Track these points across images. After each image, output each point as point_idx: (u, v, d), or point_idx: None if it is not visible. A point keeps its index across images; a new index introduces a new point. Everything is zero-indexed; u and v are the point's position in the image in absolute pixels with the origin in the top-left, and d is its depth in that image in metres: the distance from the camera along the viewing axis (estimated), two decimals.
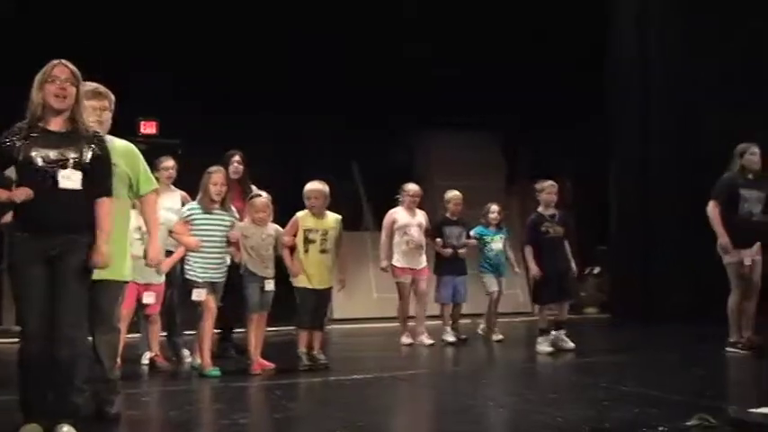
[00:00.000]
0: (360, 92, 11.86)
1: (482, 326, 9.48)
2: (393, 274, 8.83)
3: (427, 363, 7.77)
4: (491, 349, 8.86)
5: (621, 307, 11.46)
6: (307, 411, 5.41)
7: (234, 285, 6.74)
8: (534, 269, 7.96)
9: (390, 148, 13.81)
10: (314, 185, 6.95)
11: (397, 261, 8.75)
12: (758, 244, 7.62)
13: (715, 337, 7.82)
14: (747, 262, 7.57)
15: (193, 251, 6.46)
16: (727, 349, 7.64)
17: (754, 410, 4.60)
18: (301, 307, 6.89)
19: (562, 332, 8.12)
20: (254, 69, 11.17)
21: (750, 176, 7.71)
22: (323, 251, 6.87)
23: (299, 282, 6.85)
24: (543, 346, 7.91)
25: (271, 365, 6.77)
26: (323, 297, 7.02)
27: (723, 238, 7.53)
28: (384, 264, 8.78)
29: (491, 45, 12.63)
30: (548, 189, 8.19)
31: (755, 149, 7.79)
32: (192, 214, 6.57)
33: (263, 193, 6.87)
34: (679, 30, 11.27)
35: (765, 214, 7.68)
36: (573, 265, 8.24)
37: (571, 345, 8.05)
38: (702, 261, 10.25)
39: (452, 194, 9.16)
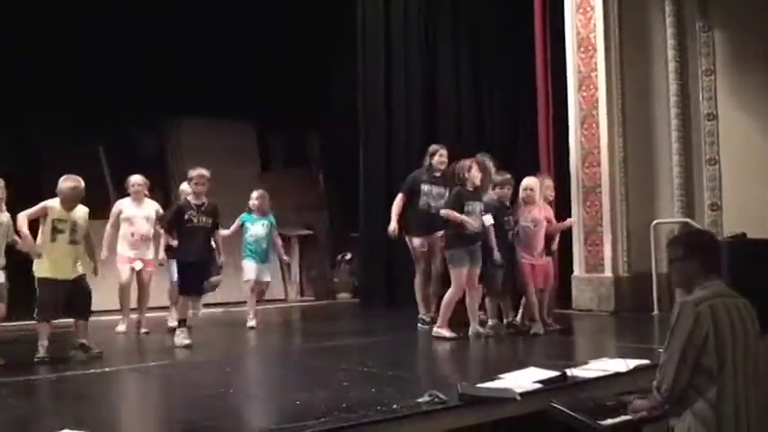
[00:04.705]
0: (109, 75, 11.35)
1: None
2: (118, 261, 8.75)
3: (169, 354, 7.52)
4: (240, 337, 8.80)
5: (369, 291, 11.81)
6: (34, 409, 5.07)
7: None
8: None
9: (140, 134, 13.33)
10: (70, 183, 6.79)
11: (122, 250, 8.72)
12: (439, 233, 8.21)
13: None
14: (424, 248, 8.51)
15: None
16: (419, 325, 8.31)
17: (481, 385, 4.85)
18: (42, 298, 6.61)
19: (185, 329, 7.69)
20: None
21: (436, 174, 8.50)
22: (72, 242, 6.78)
23: (42, 272, 6.67)
24: (181, 338, 7.52)
25: None
26: (74, 286, 6.79)
27: (391, 225, 8.53)
28: (105, 254, 8.47)
29: (245, 34, 12.57)
30: (195, 179, 7.73)
31: (444, 151, 8.63)
32: None
33: None
34: (422, 26, 11.77)
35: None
36: (218, 256, 8.04)
37: (187, 341, 7.52)
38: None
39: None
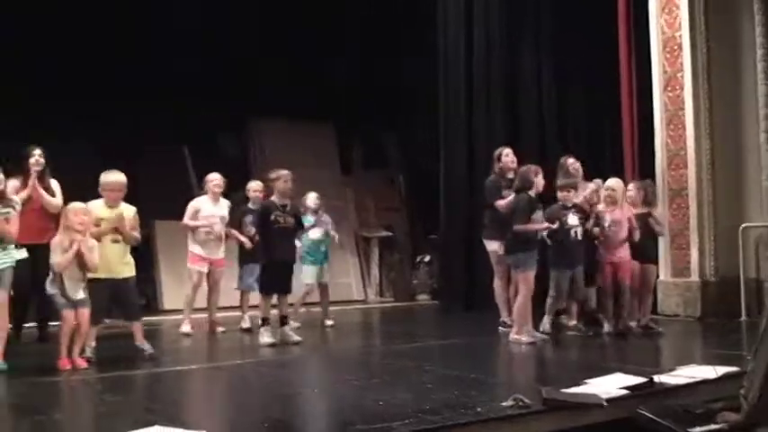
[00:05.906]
0: (194, 77, 11.59)
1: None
2: (190, 261, 8.81)
3: (250, 352, 7.67)
4: (317, 337, 8.89)
5: (448, 293, 11.79)
6: (127, 404, 5.22)
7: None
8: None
9: (224, 135, 13.57)
10: (112, 175, 6.80)
11: (196, 249, 8.75)
12: None
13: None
14: (501, 252, 8.01)
15: None
16: (500, 328, 8.18)
17: (565, 390, 4.80)
18: (93, 299, 6.49)
19: (287, 327, 7.81)
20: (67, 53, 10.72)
21: (509, 176, 8.27)
22: (115, 241, 6.70)
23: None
24: (265, 338, 7.59)
25: (84, 364, 6.34)
26: (121, 287, 6.72)
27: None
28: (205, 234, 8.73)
29: (325, 36, 12.69)
30: (284, 178, 7.76)
31: (509, 150, 8.50)
32: None
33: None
34: (504, 26, 11.68)
35: None
36: (296, 254, 8.11)
37: (297, 338, 7.73)
38: None
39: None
